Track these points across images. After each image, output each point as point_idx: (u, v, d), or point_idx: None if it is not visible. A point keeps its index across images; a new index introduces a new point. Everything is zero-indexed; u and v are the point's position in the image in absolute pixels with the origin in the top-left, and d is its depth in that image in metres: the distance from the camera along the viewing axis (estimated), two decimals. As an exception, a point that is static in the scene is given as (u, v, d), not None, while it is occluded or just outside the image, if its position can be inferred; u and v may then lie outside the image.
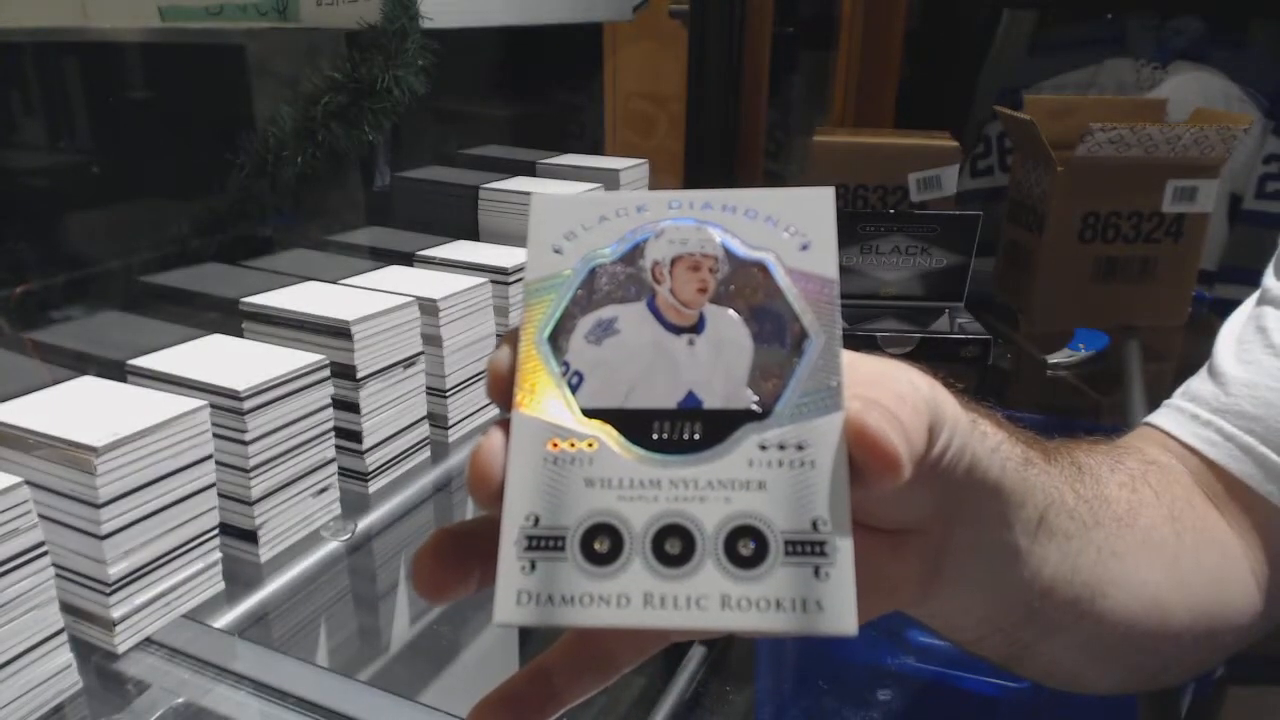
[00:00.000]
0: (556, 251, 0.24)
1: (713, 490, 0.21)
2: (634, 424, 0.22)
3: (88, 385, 0.56)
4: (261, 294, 0.70)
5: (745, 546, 0.20)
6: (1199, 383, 0.45)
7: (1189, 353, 1.01)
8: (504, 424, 0.22)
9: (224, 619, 0.55)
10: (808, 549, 0.20)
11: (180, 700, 0.49)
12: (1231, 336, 0.46)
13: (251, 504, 0.58)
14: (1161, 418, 0.45)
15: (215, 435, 0.54)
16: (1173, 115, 1.19)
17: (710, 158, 1.27)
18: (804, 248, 0.23)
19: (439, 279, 0.77)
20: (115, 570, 0.49)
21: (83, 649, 0.50)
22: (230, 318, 0.69)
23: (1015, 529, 0.30)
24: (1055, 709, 0.55)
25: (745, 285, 0.23)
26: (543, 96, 1.33)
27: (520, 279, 0.76)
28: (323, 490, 0.64)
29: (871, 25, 1.60)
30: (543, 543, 0.21)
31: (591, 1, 1.19)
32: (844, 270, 1.00)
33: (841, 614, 0.20)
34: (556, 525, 0.21)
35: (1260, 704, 0.56)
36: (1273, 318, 0.44)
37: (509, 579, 0.20)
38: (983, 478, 0.27)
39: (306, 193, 0.81)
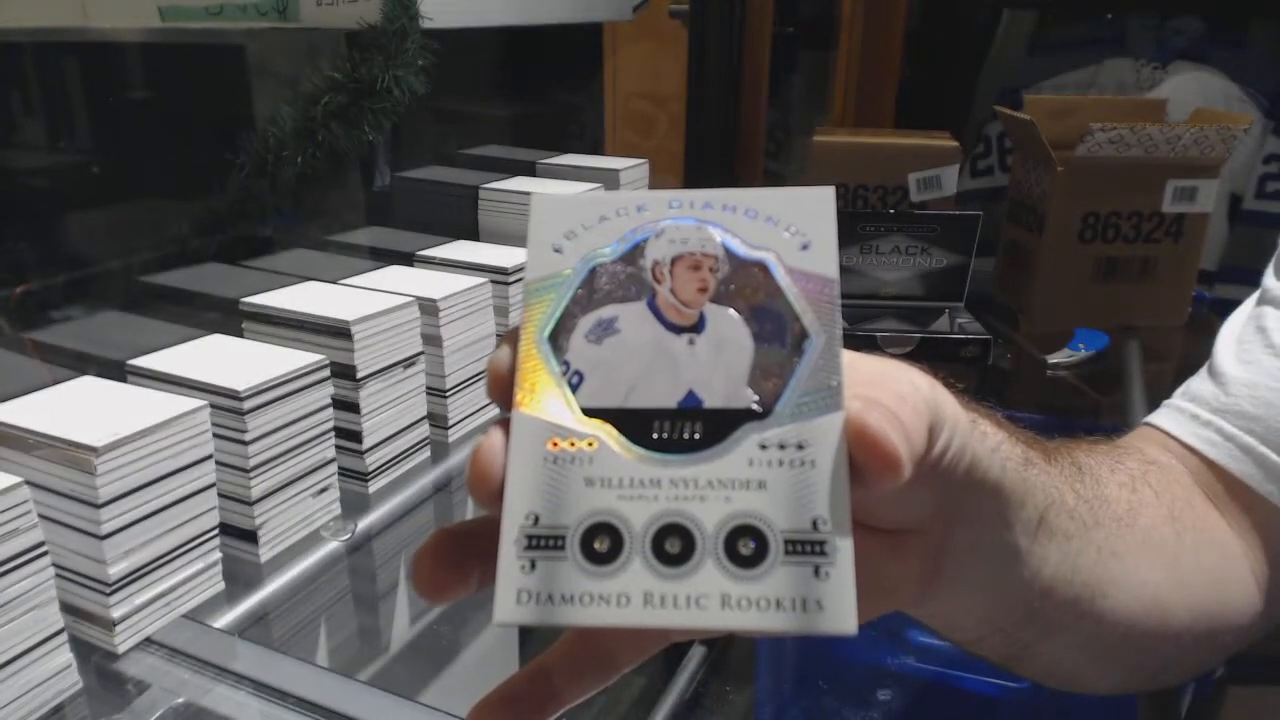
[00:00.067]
0: (556, 251, 0.24)
1: (713, 490, 0.21)
2: (634, 423, 0.22)
3: (88, 385, 0.56)
4: (261, 294, 0.70)
5: (745, 546, 0.20)
6: (1199, 383, 0.45)
7: (1189, 353, 1.01)
8: (504, 423, 0.22)
9: (224, 619, 0.55)
10: (808, 548, 0.20)
11: (180, 700, 0.49)
12: (1231, 336, 0.46)
13: (251, 504, 0.58)
14: (1161, 418, 0.45)
15: (215, 435, 0.54)
16: (1173, 115, 1.19)
17: (710, 158, 1.27)
18: (804, 247, 0.23)
19: (439, 279, 0.77)
20: (115, 570, 0.49)
21: (83, 649, 0.50)
22: (230, 318, 0.69)
23: (1015, 529, 0.30)
24: (1055, 709, 0.55)
25: (745, 285, 0.23)
26: (543, 96, 1.33)
27: (520, 279, 0.76)
28: (323, 490, 0.64)
29: (871, 25, 1.60)
30: (543, 542, 0.21)
31: (591, 1, 1.19)
32: (844, 270, 1.00)
33: (841, 613, 0.20)
34: (556, 524, 0.21)
35: (1260, 704, 0.56)
36: (1273, 318, 0.44)
37: (509, 578, 0.20)
38: (983, 478, 0.27)
39: (306, 193, 0.81)
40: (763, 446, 0.21)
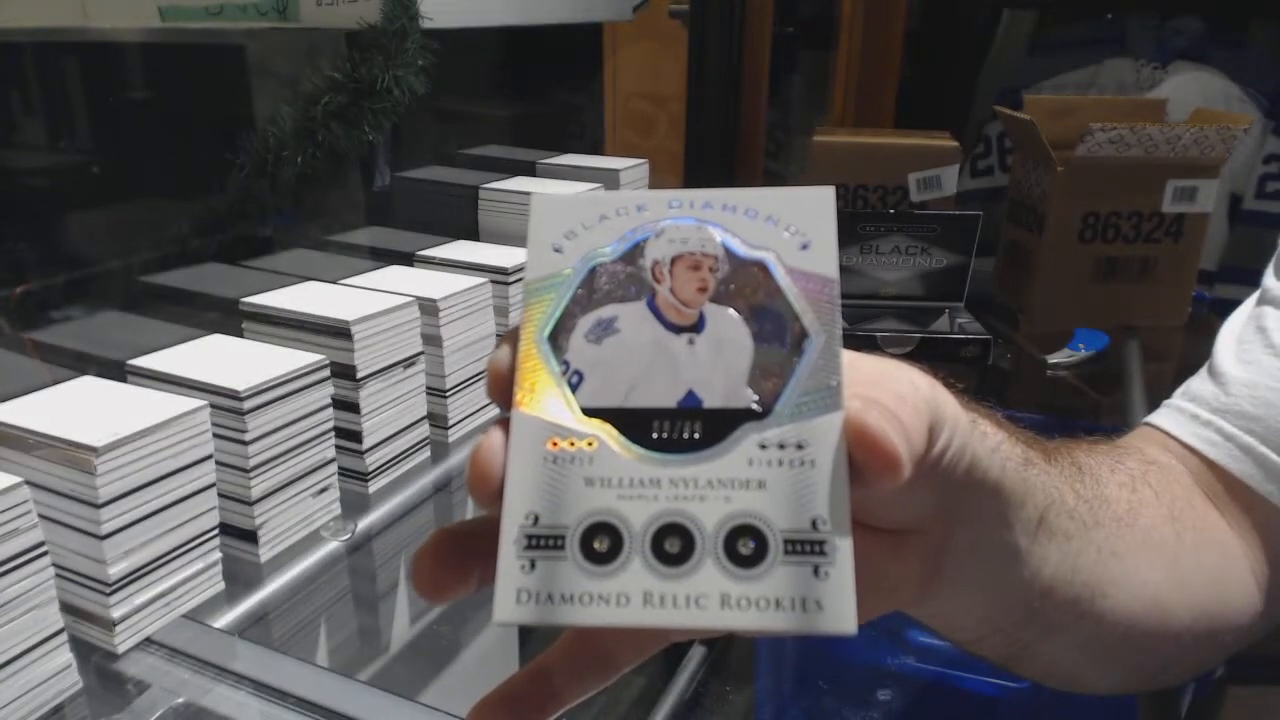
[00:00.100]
0: (556, 251, 0.24)
1: (712, 489, 0.21)
2: (634, 423, 0.22)
3: (88, 385, 0.56)
4: (261, 294, 0.70)
5: (745, 546, 0.20)
6: (1199, 383, 0.45)
7: (1189, 353, 1.01)
8: (504, 423, 0.22)
9: (224, 619, 0.55)
10: (807, 548, 0.20)
11: (180, 700, 0.49)
12: (1231, 336, 0.46)
13: (251, 504, 0.58)
14: (1161, 418, 0.45)
15: (215, 435, 0.54)
16: (1173, 115, 1.19)
17: (710, 158, 1.27)
18: (804, 247, 0.23)
19: (439, 279, 0.77)
20: (115, 570, 0.49)
21: (83, 649, 0.50)
22: (230, 318, 0.69)
23: (1015, 529, 0.30)
24: (1055, 709, 0.55)
25: (745, 284, 0.23)
26: (543, 96, 1.33)
27: (520, 279, 0.76)
28: (323, 490, 0.64)
29: (871, 25, 1.60)
30: (542, 542, 0.21)
31: (591, 1, 1.19)
32: (844, 270, 1.00)
33: (841, 613, 0.20)
34: (556, 524, 0.21)
35: (1260, 704, 0.56)
36: (1273, 318, 0.44)
37: (508, 578, 0.20)
38: (983, 478, 0.27)
39: (306, 193, 0.81)
40: (762, 446, 0.21)
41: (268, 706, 0.49)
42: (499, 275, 0.80)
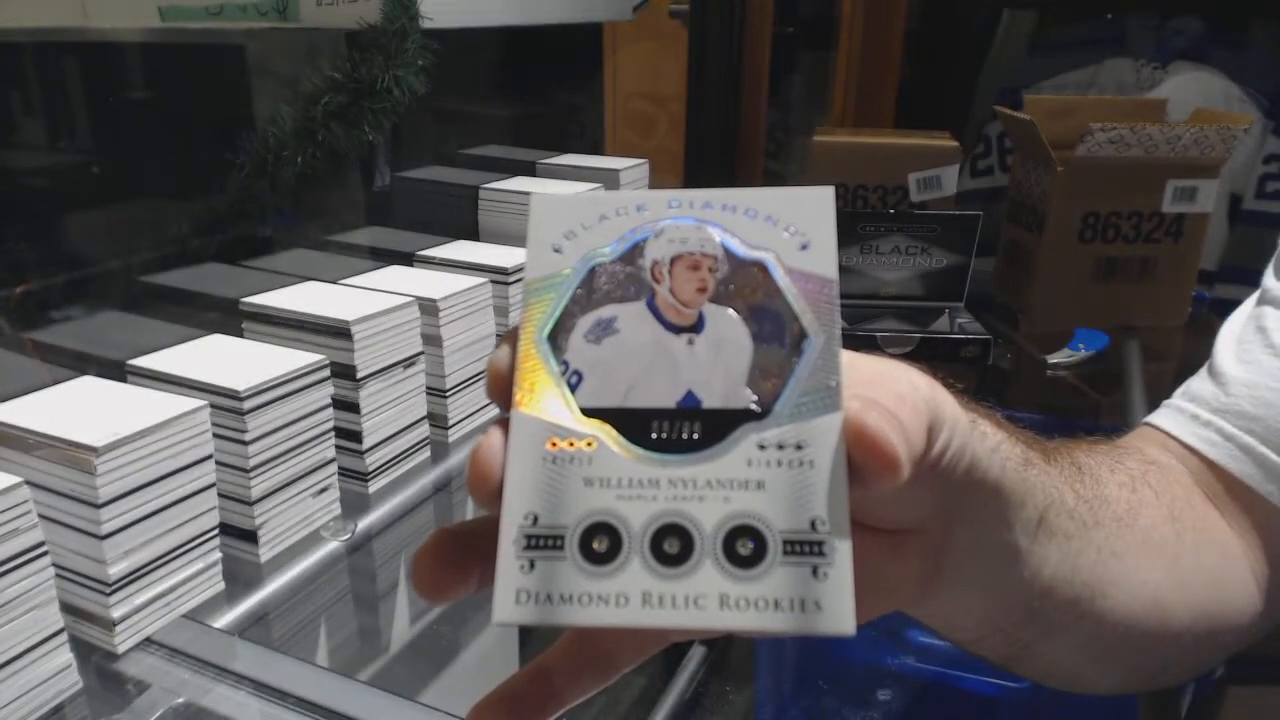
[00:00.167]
0: (556, 251, 0.24)
1: (711, 490, 0.21)
2: (633, 423, 0.22)
3: (88, 385, 0.56)
4: (261, 294, 0.70)
5: (744, 546, 0.20)
6: (1199, 383, 0.45)
7: (1189, 353, 1.01)
8: (503, 423, 0.22)
9: (224, 619, 0.55)
10: (806, 549, 0.20)
11: (180, 700, 0.49)
12: (1231, 336, 0.46)
13: (251, 504, 0.58)
14: (1161, 418, 0.45)
15: (215, 435, 0.54)
16: (1173, 115, 1.19)
17: (710, 158, 1.26)
18: (804, 247, 0.23)
19: (439, 279, 0.77)
20: (115, 570, 0.49)
21: (83, 649, 0.50)
22: (230, 318, 0.69)
23: (1015, 529, 0.30)
24: (1055, 709, 0.55)
25: (745, 285, 0.23)
26: (543, 96, 1.33)
27: (520, 279, 0.76)
28: (323, 490, 0.64)
29: (871, 25, 1.60)
30: (542, 542, 0.21)
31: (591, 1, 1.19)
32: (844, 270, 1.01)
33: (840, 614, 0.20)
34: (555, 524, 0.21)
35: (1260, 704, 0.56)
36: (1273, 318, 0.44)
37: (508, 578, 0.20)
38: (982, 478, 0.27)
39: (306, 193, 0.81)
40: (761, 447, 0.21)
41: (268, 706, 0.49)
42: (499, 275, 0.80)
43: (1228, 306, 0.49)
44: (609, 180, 1.05)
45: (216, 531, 0.56)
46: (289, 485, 0.61)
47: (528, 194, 0.92)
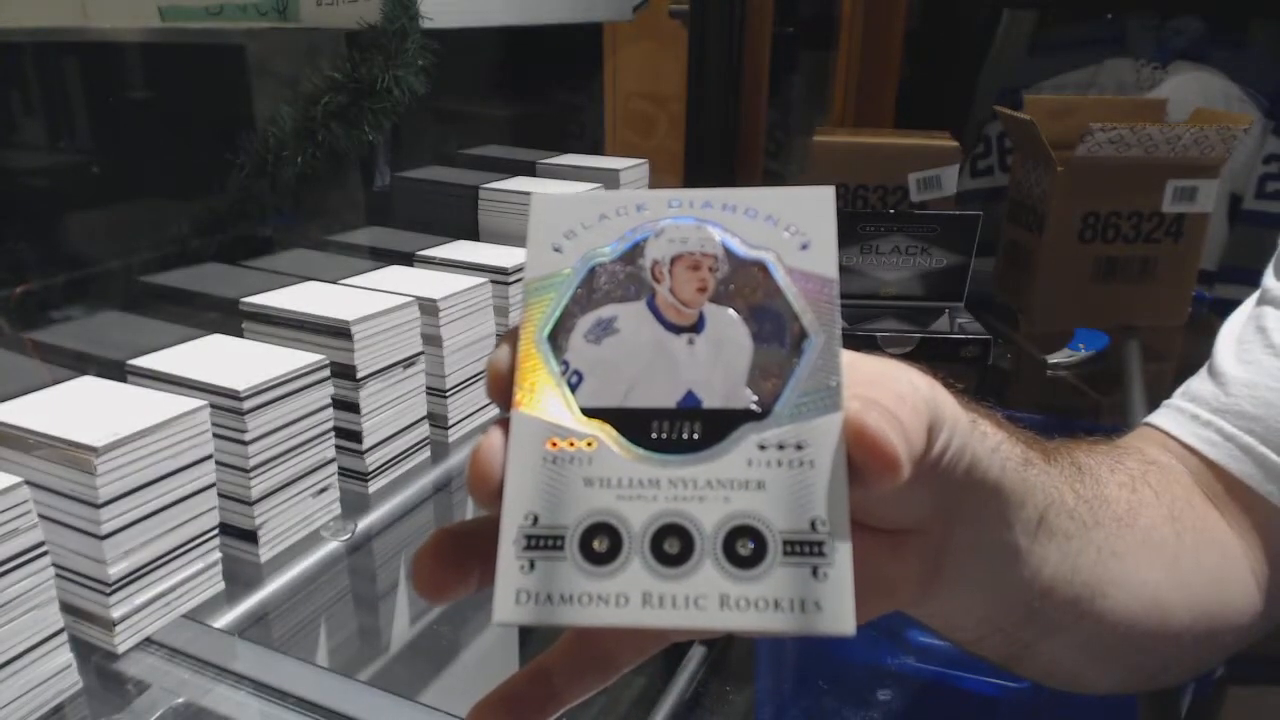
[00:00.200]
0: (556, 250, 0.24)
1: (711, 490, 0.21)
2: (633, 423, 0.22)
3: (88, 385, 0.56)
4: (261, 294, 0.70)
5: (744, 546, 0.20)
6: (1199, 383, 0.45)
7: (1189, 353, 1.01)
8: (504, 423, 0.22)
9: (224, 619, 0.55)
10: (806, 549, 0.20)
11: (180, 700, 0.49)
12: (1231, 336, 0.46)
13: (251, 504, 0.58)
14: (1161, 418, 0.45)
15: (215, 435, 0.54)
16: (1173, 115, 1.19)
17: (710, 158, 1.26)
18: (804, 247, 0.23)
19: (439, 279, 0.77)
20: (115, 570, 0.49)
21: (83, 649, 0.50)
22: (230, 318, 0.69)
23: (1015, 529, 0.30)
24: (1055, 709, 0.55)
25: (745, 284, 0.23)
26: (543, 96, 1.33)
27: (520, 279, 0.76)
28: (323, 490, 0.64)
29: (871, 25, 1.60)
30: (542, 542, 0.21)
31: (591, 1, 1.19)
32: (844, 270, 1.00)
33: (840, 614, 0.20)
34: (555, 524, 0.21)
35: (1260, 704, 0.56)
36: (1273, 318, 0.44)
37: (508, 578, 0.20)
38: (982, 477, 0.27)
39: (306, 193, 0.81)
40: (761, 447, 0.21)
41: (268, 706, 0.49)
42: (499, 275, 0.80)
43: (1228, 306, 0.49)
44: (609, 180, 1.05)
45: (216, 531, 0.56)
46: (289, 485, 0.61)
47: (528, 194, 0.92)
